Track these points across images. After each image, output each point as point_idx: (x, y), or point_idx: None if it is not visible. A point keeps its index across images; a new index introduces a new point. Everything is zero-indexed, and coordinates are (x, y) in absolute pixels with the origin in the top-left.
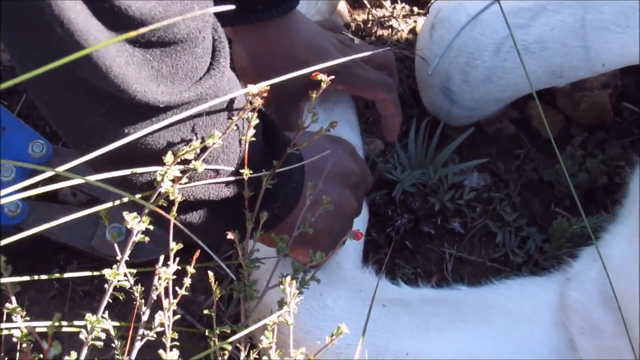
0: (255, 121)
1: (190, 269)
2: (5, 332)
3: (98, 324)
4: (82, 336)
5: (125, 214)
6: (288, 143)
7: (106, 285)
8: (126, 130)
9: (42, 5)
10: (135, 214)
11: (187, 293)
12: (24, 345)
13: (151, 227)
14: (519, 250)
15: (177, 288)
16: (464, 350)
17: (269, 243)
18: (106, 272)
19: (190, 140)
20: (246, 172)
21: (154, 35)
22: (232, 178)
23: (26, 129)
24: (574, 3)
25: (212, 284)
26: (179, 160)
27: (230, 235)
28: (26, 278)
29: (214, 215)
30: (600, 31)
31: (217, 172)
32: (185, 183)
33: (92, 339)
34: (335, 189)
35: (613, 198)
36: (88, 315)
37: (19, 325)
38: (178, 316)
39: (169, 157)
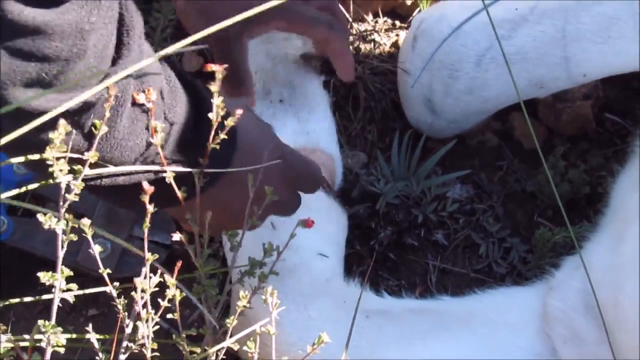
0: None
1: (172, 280)
2: None
3: (51, 329)
4: (44, 344)
5: (39, 215)
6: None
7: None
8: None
9: None
10: (50, 213)
11: (169, 305)
12: None
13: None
14: (502, 261)
15: (159, 300)
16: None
17: (219, 222)
18: (41, 275)
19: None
20: (169, 175)
21: (47, 47)
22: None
23: None
24: (554, 14)
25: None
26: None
27: (176, 237)
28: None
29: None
30: (581, 42)
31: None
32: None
33: (53, 347)
34: (274, 182)
35: (595, 208)
36: (40, 322)
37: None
38: (157, 327)
39: (52, 153)
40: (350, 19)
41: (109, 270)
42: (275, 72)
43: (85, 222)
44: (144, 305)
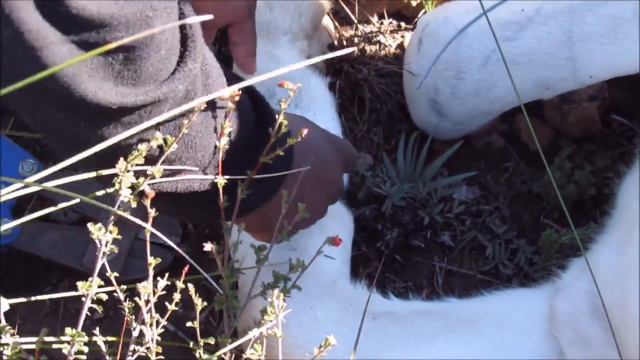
0: (228, 128)
1: (179, 284)
2: None
3: (79, 338)
4: (65, 351)
5: (89, 225)
6: (279, 128)
7: (83, 298)
8: (89, 132)
9: None
10: (99, 224)
11: (177, 308)
12: None
13: (120, 237)
14: (509, 263)
15: (166, 303)
16: None
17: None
18: (79, 284)
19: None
20: (220, 182)
21: (113, 35)
22: (201, 177)
23: (16, 149)
24: (560, 15)
25: (193, 296)
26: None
27: (207, 247)
28: (22, 299)
29: (186, 205)
30: (587, 43)
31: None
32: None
33: (75, 353)
34: (313, 195)
35: (602, 209)
36: (68, 329)
37: (8, 341)
38: (162, 329)
39: (121, 165)
40: (356, 21)
41: (116, 274)
42: (281, 74)
43: (96, 226)
44: (149, 310)
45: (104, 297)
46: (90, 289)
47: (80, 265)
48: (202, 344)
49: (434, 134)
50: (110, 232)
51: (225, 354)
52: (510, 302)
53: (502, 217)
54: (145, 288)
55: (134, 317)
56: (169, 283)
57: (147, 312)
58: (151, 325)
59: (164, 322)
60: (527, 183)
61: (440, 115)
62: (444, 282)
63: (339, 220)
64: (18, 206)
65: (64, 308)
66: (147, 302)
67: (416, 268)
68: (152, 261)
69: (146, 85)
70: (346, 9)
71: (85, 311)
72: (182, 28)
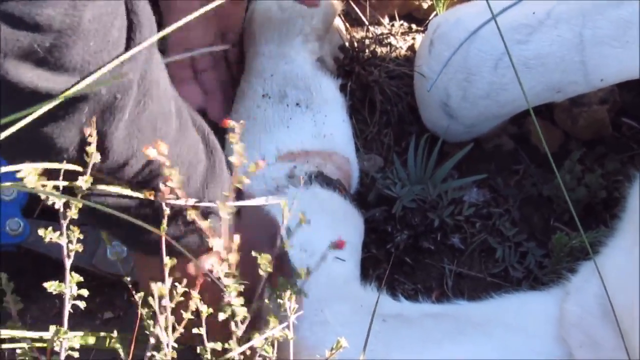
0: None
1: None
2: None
3: (64, 336)
4: (56, 347)
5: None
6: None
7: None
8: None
9: None
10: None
11: (191, 317)
12: None
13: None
14: (519, 265)
15: (182, 311)
16: None
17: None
18: (49, 284)
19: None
20: (162, 228)
21: (38, 14)
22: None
23: None
24: (572, 18)
25: (198, 304)
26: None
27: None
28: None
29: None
30: (599, 46)
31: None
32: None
33: (66, 350)
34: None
35: (612, 212)
36: (52, 327)
37: (20, 334)
38: (177, 334)
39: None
40: (367, 22)
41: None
42: (292, 76)
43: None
44: (165, 316)
45: (85, 292)
46: (60, 288)
47: (89, 265)
48: (209, 349)
49: (444, 136)
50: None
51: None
52: (520, 304)
53: (512, 219)
54: (160, 290)
55: (152, 321)
56: (187, 290)
57: (164, 317)
58: (167, 328)
59: (180, 328)
60: (538, 186)
61: (451, 117)
62: (454, 284)
63: (349, 222)
64: (28, 206)
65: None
66: (164, 306)
67: (426, 270)
68: (167, 262)
69: (68, 75)
70: (357, 10)
71: (67, 307)
72: (129, 14)
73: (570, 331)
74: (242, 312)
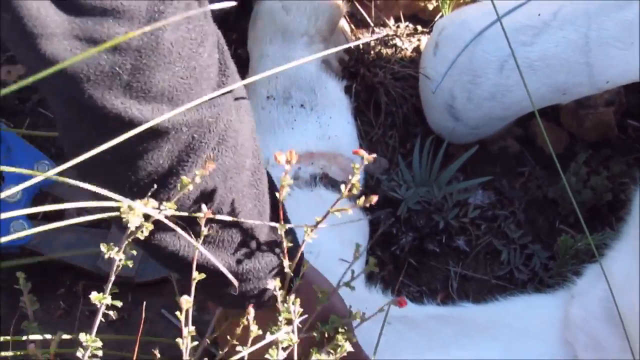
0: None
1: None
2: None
3: (93, 343)
4: (79, 354)
5: (102, 245)
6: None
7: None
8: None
9: None
10: (112, 244)
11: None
12: None
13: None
14: (524, 268)
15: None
16: None
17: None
18: (93, 295)
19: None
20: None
21: (117, 33)
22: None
23: (31, 150)
24: (577, 19)
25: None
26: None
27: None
28: None
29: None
30: (604, 48)
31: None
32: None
33: (89, 357)
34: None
35: (618, 215)
36: (82, 335)
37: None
38: (196, 342)
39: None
40: (372, 24)
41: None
42: (297, 77)
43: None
44: (186, 324)
45: (119, 304)
46: (104, 300)
47: (94, 267)
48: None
49: (449, 138)
50: (124, 252)
51: None
52: (525, 307)
53: (517, 222)
54: (187, 302)
55: None
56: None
57: (185, 327)
58: (187, 337)
59: (205, 344)
60: (543, 188)
61: (456, 119)
62: (459, 286)
63: (354, 224)
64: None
65: (77, 310)
66: (187, 314)
67: (431, 272)
68: (196, 276)
69: (155, 102)
70: (362, 11)
71: (99, 317)
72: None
73: (576, 334)
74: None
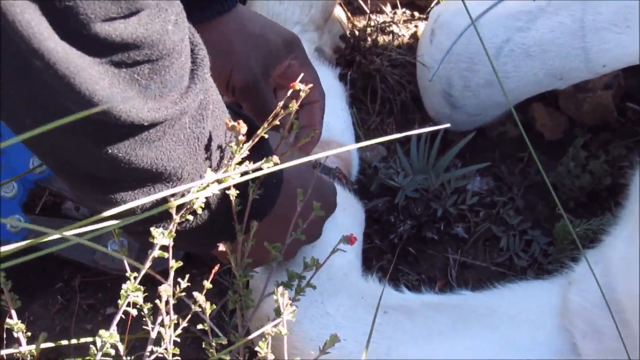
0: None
1: (207, 284)
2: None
3: (110, 339)
4: (93, 351)
5: (152, 229)
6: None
7: (119, 301)
8: (109, 150)
9: (16, 41)
10: (161, 229)
11: (197, 309)
12: None
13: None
14: (524, 254)
15: (185, 299)
16: (466, 356)
17: (259, 256)
18: (125, 286)
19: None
20: (232, 193)
21: (140, 55)
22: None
23: None
24: (572, 4)
25: (203, 303)
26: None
27: (221, 247)
28: None
29: (200, 229)
30: (600, 32)
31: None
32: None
33: (102, 355)
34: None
35: (617, 199)
36: (102, 332)
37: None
38: (180, 331)
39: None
40: (368, 11)
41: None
42: None
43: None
44: (168, 312)
45: (140, 299)
46: (133, 292)
47: (91, 262)
48: (214, 344)
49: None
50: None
51: (238, 352)
52: (524, 295)
53: (516, 207)
54: (166, 291)
55: (152, 317)
56: (189, 284)
57: (167, 315)
58: (169, 327)
59: (184, 324)
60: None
61: (454, 106)
62: (458, 274)
63: (350, 212)
64: (29, 202)
65: (75, 304)
66: (167, 303)
67: (429, 260)
68: (173, 264)
69: (172, 95)
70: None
71: (120, 314)
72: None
73: (574, 321)
74: (250, 304)
